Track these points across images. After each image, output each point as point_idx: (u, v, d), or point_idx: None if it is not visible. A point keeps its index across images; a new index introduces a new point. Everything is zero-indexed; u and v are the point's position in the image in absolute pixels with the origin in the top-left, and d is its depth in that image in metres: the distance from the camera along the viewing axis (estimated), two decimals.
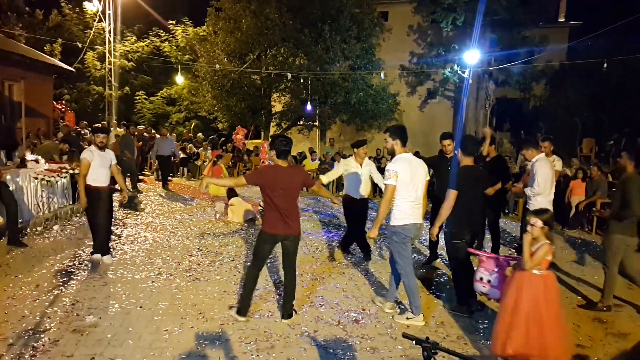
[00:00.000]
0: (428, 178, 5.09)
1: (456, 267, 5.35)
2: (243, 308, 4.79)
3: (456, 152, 5.51)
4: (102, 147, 6.35)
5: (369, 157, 7.95)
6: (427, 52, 22.33)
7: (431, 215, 7.27)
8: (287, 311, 4.87)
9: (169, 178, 13.80)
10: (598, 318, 5.25)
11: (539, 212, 4.05)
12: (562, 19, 23.42)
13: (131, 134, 14.86)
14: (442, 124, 22.11)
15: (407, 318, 4.91)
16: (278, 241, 4.74)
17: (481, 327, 4.91)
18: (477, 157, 6.04)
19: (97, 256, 6.49)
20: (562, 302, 4.09)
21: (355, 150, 7.13)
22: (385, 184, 4.76)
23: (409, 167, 4.75)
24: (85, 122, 17.94)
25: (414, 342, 2.19)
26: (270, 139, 4.74)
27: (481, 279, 4.85)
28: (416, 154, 7.69)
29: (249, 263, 6.52)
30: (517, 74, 20.76)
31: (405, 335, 2.36)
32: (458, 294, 5.34)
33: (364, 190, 7.06)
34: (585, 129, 20.08)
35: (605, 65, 14.25)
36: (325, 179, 7.53)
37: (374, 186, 9.33)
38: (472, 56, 18.10)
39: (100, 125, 13.52)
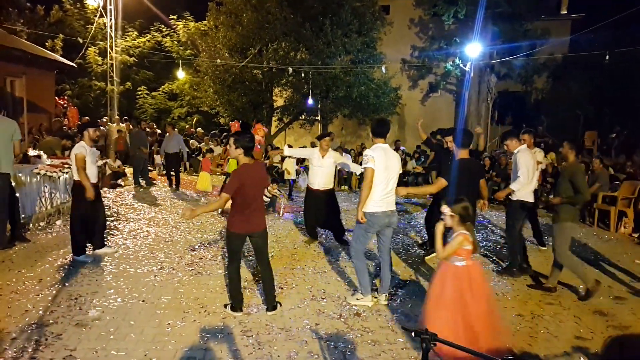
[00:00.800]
0: (401, 171, 5.22)
1: None
2: (236, 303, 4.83)
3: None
4: (95, 142, 6.34)
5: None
6: (429, 46, 22.25)
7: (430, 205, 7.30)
8: (270, 303, 4.91)
9: (172, 174, 12.70)
10: (599, 311, 5.26)
11: (451, 202, 3.95)
12: (564, 12, 23.31)
13: (142, 129, 14.84)
14: (444, 118, 22.06)
15: (357, 299, 5.11)
16: (246, 236, 4.77)
17: None
18: (472, 151, 6.05)
19: (100, 251, 6.59)
20: (492, 293, 4.08)
21: (318, 142, 7.34)
22: (364, 168, 4.85)
23: (384, 156, 4.88)
24: (87, 118, 17.97)
25: (412, 334, 2.21)
26: (233, 138, 4.61)
27: None
28: (427, 141, 7.59)
29: (250, 257, 6.58)
30: (519, 67, 20.69)
31: (404, 328, 2.38)
32: None
33: (324, 181, 7.19)
34: (588, 121, 20.03)
35: (607, 57, 14.18)
36: (287, 151, 8.07)
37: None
38: (474, 49, 18.05)
39: (100, 120, 13.53)
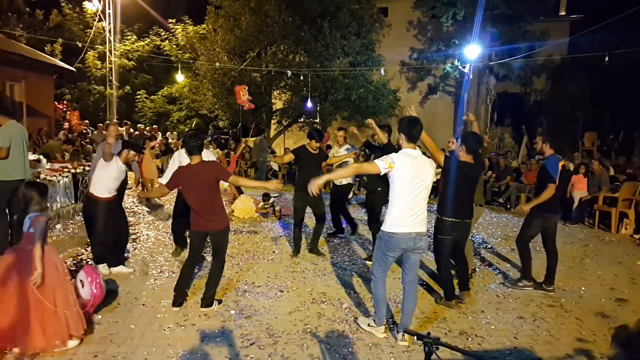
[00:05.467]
0: (436, 177, 4.50)
1: (440, 261, 5.35)
2: (176, 298, 4.93)
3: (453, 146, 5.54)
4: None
5: None
6: (428, 48, 22.26)
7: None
8: (205, 300, 4.97)
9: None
10: (601, 313, 5.24)
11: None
12: (562, 13, 23.34)
13: (264, 139, 14.99)
14: (443, 120, 22.09)
15: (368, 324, 4.58)
16: (206, 235, 4.92)
17: (483, 322, 4.90)
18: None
19: (116, 269, 6.06)
20: (49, 286, 3.99)
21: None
22: (375, 162, 4.12)
23: (410, 165, 4.08)
24: (87, 122, 17.98)
25: (415, 337, 2.19)
26: (182, 139, 4.85)
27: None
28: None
29: (250, 260, 6.58)
30: (518, 69, 20.70)
31: (406, 331, 2.36)
32: (444, 287, 5.37)
33: None
34: (587, 123, 20.04)
35: (607, 58, 14.15)
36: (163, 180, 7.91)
37: None
38: (473, 51, 18.06)
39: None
